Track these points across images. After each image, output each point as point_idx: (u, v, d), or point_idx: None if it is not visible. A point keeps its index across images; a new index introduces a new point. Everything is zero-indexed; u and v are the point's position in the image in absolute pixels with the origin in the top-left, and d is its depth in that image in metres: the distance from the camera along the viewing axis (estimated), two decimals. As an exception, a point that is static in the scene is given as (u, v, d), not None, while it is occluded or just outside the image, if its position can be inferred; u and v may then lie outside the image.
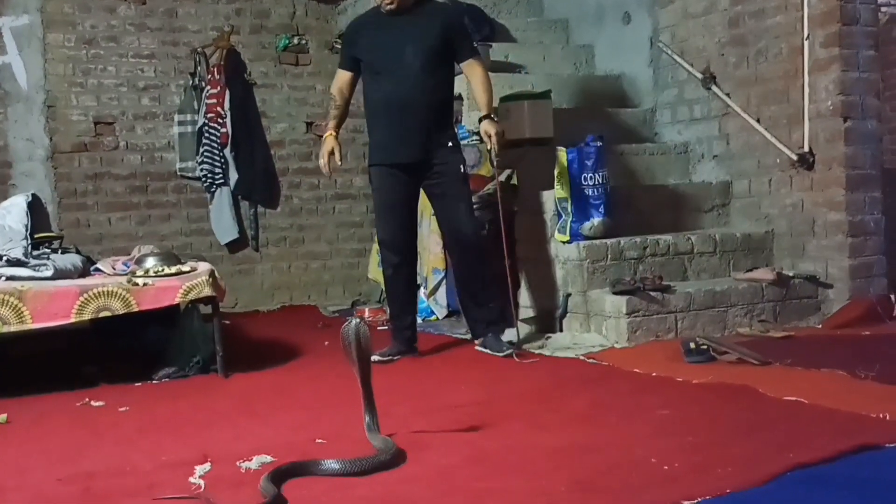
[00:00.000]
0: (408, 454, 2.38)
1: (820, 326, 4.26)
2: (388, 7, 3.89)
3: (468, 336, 4.29)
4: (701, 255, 4.47)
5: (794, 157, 4.44)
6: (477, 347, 4.06)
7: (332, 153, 3.98)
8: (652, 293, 4.03)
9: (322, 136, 4.15)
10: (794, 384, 2.99)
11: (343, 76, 4.09)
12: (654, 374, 3.33)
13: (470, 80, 4.04)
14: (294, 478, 2.22)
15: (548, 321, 4.41)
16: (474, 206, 4.42)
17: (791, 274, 4.34)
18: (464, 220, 4.01)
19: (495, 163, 4.01)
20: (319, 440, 2.61)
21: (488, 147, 3.94)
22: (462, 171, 4.03)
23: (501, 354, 3.87)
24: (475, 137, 4.57)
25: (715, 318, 4.14)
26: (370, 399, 2.51)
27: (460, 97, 4.78)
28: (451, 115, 4.10)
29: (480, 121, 3.96)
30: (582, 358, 3.78)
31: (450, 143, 4.00)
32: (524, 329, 4.30)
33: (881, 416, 2.52)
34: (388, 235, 4.02)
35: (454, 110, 4.34)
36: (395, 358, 3.89)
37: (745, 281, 4.29)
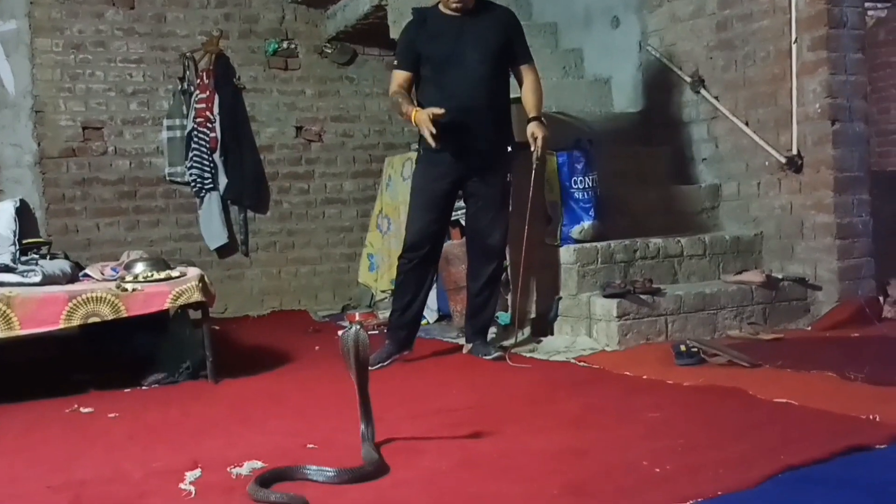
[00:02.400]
0: (401, 458, 2.37)
1: (809, 328, 4.28)
2: (455, 4, 3.85)
3: (460, 340, 4.29)
4: (690, 258, 4.49)
5: (783, 160, 4.46)
6: (464, 352, 4.08)
7: (430, 118, 3.65)
8: (642, 296, 4.04)
9: (411, 118, 3.77)
10: (784, 386, 3.00)
11: (400, 76, 3.92)
12: (644, 377, 3.34)
13: (523, 83, 4.00)
14: (278, 483, 2.22)
15: (538, 324, 4.41)
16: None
17: (780, 276, 4.36)
18: (496, 230, 4.00)
19: (535, 165, 3.92)
20: (310, 445, 2.60)
21: (532, 149, 3.91)
22: (508, 179, 4.00)
23: (488, 358, 3.89)
24: None
25: (705, 320, 4.15)
26: (367, 407, 2.49)
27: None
28: (509, 119, 4.03)
29: (529, 122, 3.93)
30: (573, 361, 3.78)
31: (508, 148, 3.98)
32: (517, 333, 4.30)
33: (871, 417, 2.53)
34: (416, 237, 3.95)
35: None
36: (386, 363, 3.87)
37: (734, 283, 4.31)
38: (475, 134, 3.85)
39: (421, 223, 3.96)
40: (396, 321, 4.02)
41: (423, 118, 3.69)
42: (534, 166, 3.91)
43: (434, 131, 3.65)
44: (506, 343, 4.14)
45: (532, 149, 3.91)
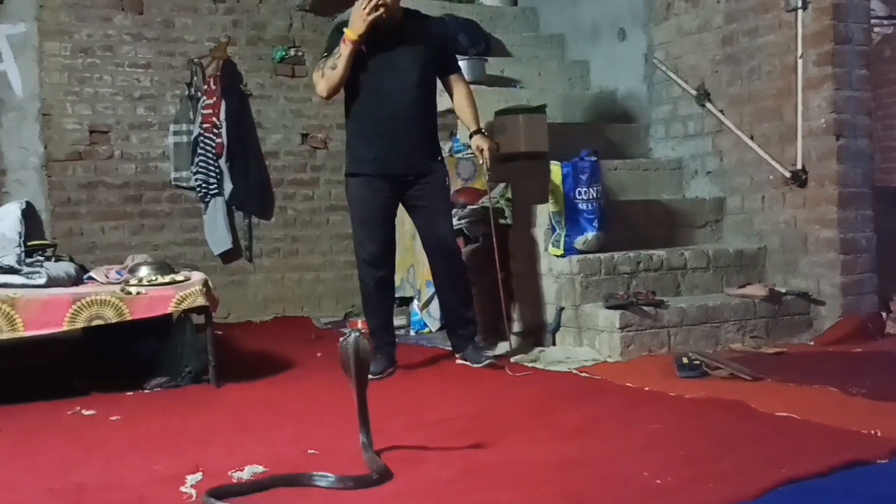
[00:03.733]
0: (401, 467, 2.37)
1: (812, 343, 4.28)
2: (371, 15, 3.78)
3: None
4: (694, 271, 4.49)
5: (787, 175, 4.47)
6: (458, 361, 4.05)
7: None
8: (645, 308, 4.04)
9: (346, 42, 3.71)
10: (785, 400, 3.00)
11: None
12: (646, 389, 3.34)
13: (455, 94, 4.01)
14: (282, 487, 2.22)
15: (540, 334, 4.41)
16: (472, 220, 4.42)
17: (783, 290, 4.36)
18: (447, 232, 3.99)
19: (487, 177, 4.00)
20: (311, 451, 2.60)
21: (480, 161, 3.95)
22: (446, 183, 4.03)
23: (479, 365, 3.89)
24: (470, 150, 4.58)
25: (707, 333, 4.15)
26: (365, 415, 2.48)
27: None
28: (437, 129, 4.06)
29: (471, 136, 3.97)
30: (575, 372, 3.78)
31: (438, 157, 4.01)
32: (516, 342, 4.30)
33: (872, 431, 2.53)
34: (376, 249, 3.92)
35: (447, 124, 4.32)
36: (381, 376, 3.82)
37: (737, 297, 4.31)
38: (405, 139, 3.85)
39: (372, 235, 3.92)
40: (384, 337, 3.99)
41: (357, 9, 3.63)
42: (486, 178, 3.97)
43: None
44: (501, 352, 4.14)
45: (480, 161, 3.95)
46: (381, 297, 4.00)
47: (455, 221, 4.68)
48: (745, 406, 2.93)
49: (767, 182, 4.64)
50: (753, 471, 2.21)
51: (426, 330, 5.18)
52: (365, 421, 2.47)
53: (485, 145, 3.89)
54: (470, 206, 4.76)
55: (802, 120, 4.39)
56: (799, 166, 4.42)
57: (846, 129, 4.31)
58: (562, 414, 3.00)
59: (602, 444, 2.57)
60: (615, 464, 2.35)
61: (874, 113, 4.87)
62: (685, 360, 3.55)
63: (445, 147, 5.45)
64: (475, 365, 3.90)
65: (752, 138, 4.69)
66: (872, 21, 4.97)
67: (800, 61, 4.38)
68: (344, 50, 3.76)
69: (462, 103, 4.00)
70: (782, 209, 4.57)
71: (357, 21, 3.72)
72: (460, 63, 5.07)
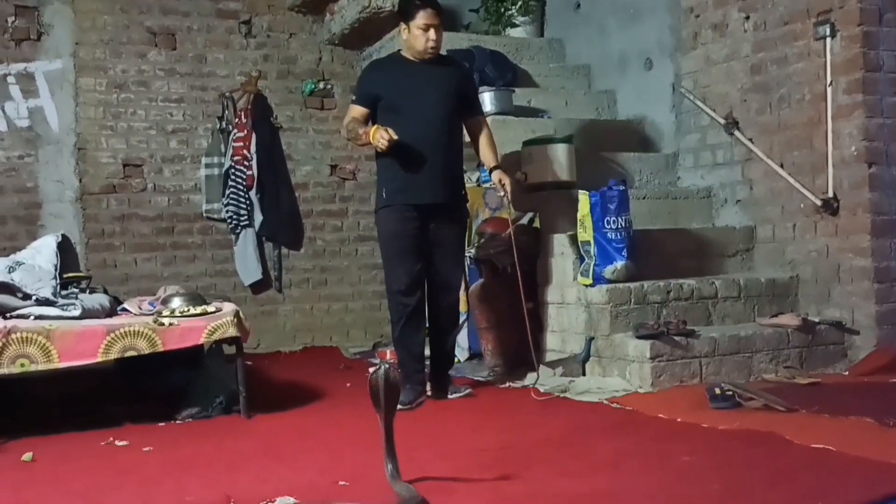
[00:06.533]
0: (432, 498, 2.36)
1: (846, 373, 4.21)
2: (431, 52, 3.98)
3: (490, 378, 4.30)
4: (725, 300, 4.45)
5: (819, 203, 4.43)
6: (450, 397, 4.06)
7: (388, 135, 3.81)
8: (676, 338, 4.01)
9: (369, 134, 3.89)
10: (820, 431, 2.95)
11: (358, 110, 4.06)
12: (678, 420, 3.30)
13: (477, 134, 4.18)
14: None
15: (569, 365, 4.38)
16: (500, 249, 4.44)
17: (817, 320, 4.30)
18: (455, 272, 4.13)
19: (511, 208, 4.12)
20: (342, 482, 2.60)
21: (500, 194, 4.09)
22: (465, 226, 4.19)
23: (456, 396, 4.01)
24: None
25: (740, 363, 4.10)
26: (392, 446, 2.48)
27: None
28: (462, 166, 4.21)
29: (491, 171, 4.11)
30: (605, 402, 3.75)
31: (462, 192, 4.15)
32: (546, 372, 4.28)
33: (911, 465, 2.49)
34: (408, 281, 3.98)
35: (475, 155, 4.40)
36: (411, 406, 3.85)
37: (770, 326, 4.26)
38: (434, 169, 3.95)
39: (406, 267, 3.99)
40: (415, 367, 4.03)
41: (380, 129, 3.84)
42: (509, 210, 4.12)
43: (393, 137, 3.79)
44: (529, 383, 4.13)
45: (502, 194, 4.08)
46: (412, 327, 4.04)
47: (482, 252, 4.71)
48: (780, 438, 2.89)
49: (798, 211, 4.60)
50: (789, 504, 2.17)
51: (455, 360, 5.16)
52: (392, 452, 2.47)
53: (506, 179, 4.04)
54: (498, 236, 4.76)
55: (833, 148, 4.36)
56: (830, 195, 4.38)
57: (878, 157, 4.28)
58: (593, 446, 2.98)
59: (634, 477, 2.55)
60: (647, 498, 2.33)
61: (906, 140, 4.81)
62: (717, 391, 3.50)
63: (473, 177, 5.49)
64: (450, 397, 4.01)
65: (782, 167, 4.66)
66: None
67: (829, 89, 4.36)
68: (363, 138, 3.98)
69: (484, 142, 4.17)
70: (814, 238, 4.52)
71: (376, 133, 3.85)
72: (488, 94, 5.20)
